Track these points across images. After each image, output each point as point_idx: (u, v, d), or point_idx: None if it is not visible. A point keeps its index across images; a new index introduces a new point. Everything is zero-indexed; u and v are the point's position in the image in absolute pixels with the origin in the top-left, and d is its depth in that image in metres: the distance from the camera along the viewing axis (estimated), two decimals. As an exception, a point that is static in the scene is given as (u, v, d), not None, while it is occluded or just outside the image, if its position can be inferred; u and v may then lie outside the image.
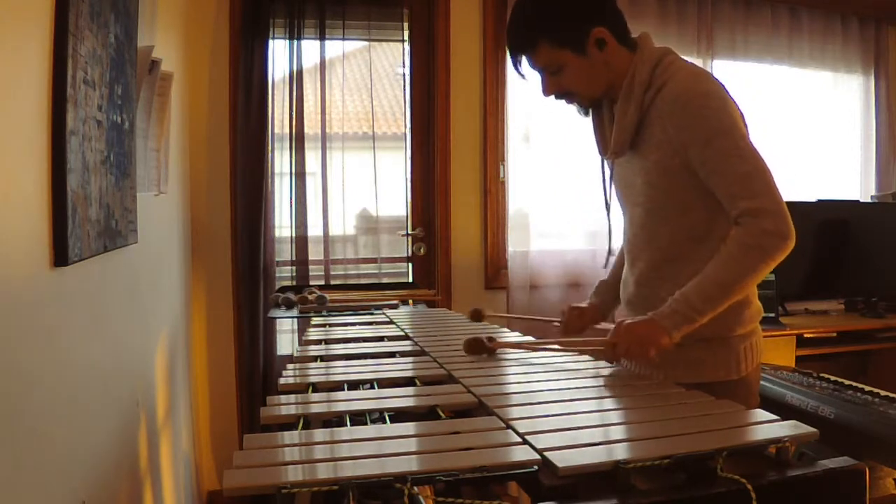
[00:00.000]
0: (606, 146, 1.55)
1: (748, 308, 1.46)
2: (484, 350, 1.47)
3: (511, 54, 1.48)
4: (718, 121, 1.35)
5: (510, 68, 3.00)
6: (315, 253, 2.92)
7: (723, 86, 1.42)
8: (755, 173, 1.33)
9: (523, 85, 2.99)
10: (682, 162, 1.39)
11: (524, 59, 1.47)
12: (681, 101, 1.37)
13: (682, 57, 1.47)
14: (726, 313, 1.40)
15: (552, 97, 1.49)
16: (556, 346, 1.54)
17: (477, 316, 1.86)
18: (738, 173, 1.33)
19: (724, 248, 1.34)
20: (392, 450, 0.91)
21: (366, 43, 3.08)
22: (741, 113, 1.41)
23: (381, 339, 1.71)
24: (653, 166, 1.43)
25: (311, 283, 2.84)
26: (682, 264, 1.42)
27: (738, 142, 1.35)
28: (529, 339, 1.66)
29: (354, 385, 1.28)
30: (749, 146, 1.35)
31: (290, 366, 1.43)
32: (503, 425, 1.00)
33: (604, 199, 1.61)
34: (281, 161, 2.88)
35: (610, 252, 1.72)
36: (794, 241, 1.31)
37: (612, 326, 1.38)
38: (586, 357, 1.47)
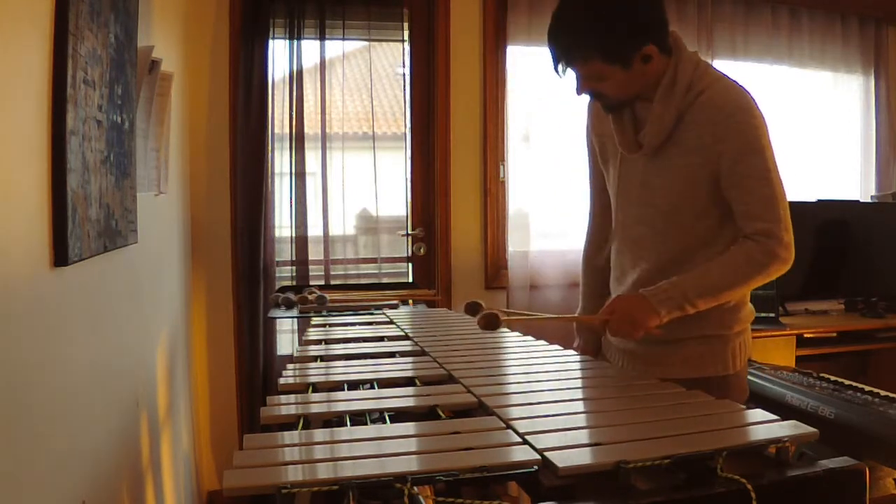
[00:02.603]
0: (626, 143, 1.52)
1: (743, 308, 1.53)
2: (499, 324, 1.42)
3: (554, 58, 1.43)
4: (756, 139, 1.39)
5: (510, 68, 3.05)
6: (315, 253, 2.92)
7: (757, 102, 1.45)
8: (776, 198, 1.39)
9: (523, 85, 3.03)
10: (710, 171, 1.41)
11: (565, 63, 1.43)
12: (725, 111, 1.39)
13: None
14: (725, 312, 1.47)
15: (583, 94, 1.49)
16: (551, 318, 1.72)
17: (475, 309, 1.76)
18: (761, 195, 1.39)
19: (732, 255, 1.40)
20: (392, 450, 0.91)
21: (366, 43, 3.08)
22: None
23: (381, 339, 1.71)
24: (679, 170, 1.44)
25: (311, 283, 2.84)
26: (686, 267, 1.44)
27: (769, 163, 1.40)
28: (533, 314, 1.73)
29: (354, 385, 1.28)
30: (776, 170, 1.41)
31: (290, 366, 1.43)
32: (503, 425, 1.00)
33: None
34: (281, 161, 2.87)
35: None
36: (789, 268, 1.41)
37: None
38: (586, 357, 1.48)
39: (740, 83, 1.47)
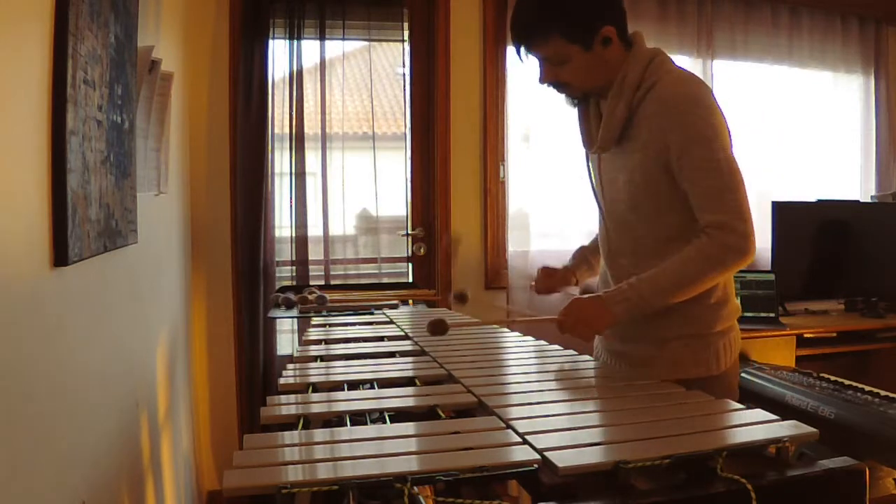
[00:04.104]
0: (591, 140, 1.56)
1: (726, 306, 1.48)
2: (446, 329, 1.49)
3: (515, 40, 1.46)
4: (701, 129, 1.36)
5: (510, 68, 3.05)
6: (315, 253, 2.92)
7: (711, 92, 1.43)
8: (727, 188, 1.35)
9: (523, 85, 3.04)
10: (663, 164, 1.40)
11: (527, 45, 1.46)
12: (668, 103, 1.38)
13: (682, 57, 1.48)
14: (705, 311, 1.44)
15: (546, 85, 1.50)
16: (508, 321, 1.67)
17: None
18: (710, 186, 1.36)
19: (686, 251, 1.37)
20: (392, 450, 0.91)
21: (366, 43, 3.08)
22: (726, 122, 1.42)
23: (381, 339, 1.71)
24: (636, 165, 1.45)
25: (311, 283, 2.84)
26: (661, 262, 1.41)
27: (716, 153, 1.36)
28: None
29: (354, 385, 1.28)
30: (726, 159, 1.36)
31: (290, 366, 1.43)
32: (503, 425, 1.00)
33: (591, 189, 1.63)
34: (281, 161, 2.88)
35: None
36: (752, 258, 1.36)
37: (575, 293, 1.44)
38: (587, 357, 1.48)
39: (693, 75, 1.46)
